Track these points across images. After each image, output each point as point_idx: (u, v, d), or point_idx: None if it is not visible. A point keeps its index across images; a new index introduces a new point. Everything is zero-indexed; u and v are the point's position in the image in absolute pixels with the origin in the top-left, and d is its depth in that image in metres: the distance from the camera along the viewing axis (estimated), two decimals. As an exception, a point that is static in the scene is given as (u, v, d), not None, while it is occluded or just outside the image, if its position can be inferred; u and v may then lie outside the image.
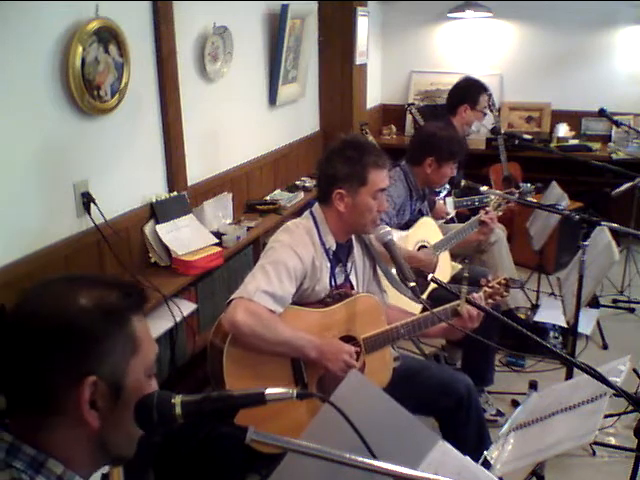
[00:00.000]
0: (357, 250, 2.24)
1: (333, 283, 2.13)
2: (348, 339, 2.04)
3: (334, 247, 2.13)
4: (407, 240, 2.88)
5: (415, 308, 2.45)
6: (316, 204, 2.18)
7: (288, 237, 2.06)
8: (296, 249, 2.01)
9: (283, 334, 1.89)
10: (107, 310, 0.94)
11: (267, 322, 1.86)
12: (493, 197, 3.22)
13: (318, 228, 2.11)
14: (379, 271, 2.34)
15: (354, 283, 2.21)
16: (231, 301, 1.91)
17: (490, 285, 2.20)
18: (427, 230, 3.01)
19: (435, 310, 2.03)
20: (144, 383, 0.99)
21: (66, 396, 0.91)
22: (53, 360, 0.90)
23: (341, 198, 2.08)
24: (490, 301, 2.17)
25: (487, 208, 3.08)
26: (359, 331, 2.07)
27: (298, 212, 3.35)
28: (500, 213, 3.17)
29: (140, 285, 1.03)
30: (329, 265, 2.11)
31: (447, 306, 2.09)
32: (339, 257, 2.16)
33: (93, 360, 0.92)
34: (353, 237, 2.23)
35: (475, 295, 2.09)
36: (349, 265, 2.20)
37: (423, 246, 2.95)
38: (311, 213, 2.16)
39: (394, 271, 2.20)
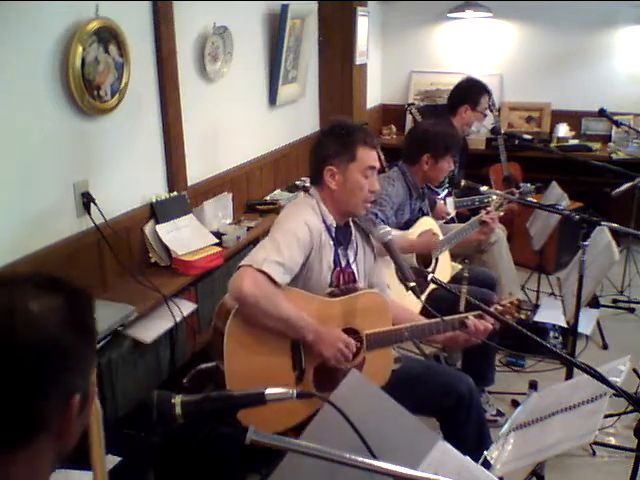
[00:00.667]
0: (357, 238, 2.25)
1: (337, 262, 2.14)
2: (352, 332, 2.04)
3: (335, 224, 2.15)
4: (407, 240, 2.87)
5: (416, 307, 2.44)
6: (312, 187, 2.20)
7: (295, 210, 2.10)
8: (305, 219, 2.04)
9: (286, 311, 1.91)
10: (80, 323, 0.90)
11: (272, 296, 1.88)
12: (495, 197, 3.22)
13: (318, 206, 2.14)
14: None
15: (355, 270, 2.21)
16: (239, 267, 1.92)
17: (502, 304, 2.19)
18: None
19: (445, 318, 2.03)
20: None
21: (51, 415, 0.87)
22: (40, 384, 0.84)
23: (332, 175, 2.10)
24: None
25: (488, 208, 3.08)
26: (363, 327, 2.07)
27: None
28: (502, 213, 3.16)
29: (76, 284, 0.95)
30: (332, 243, 2.13)
31: (454, 317, 2.09)
32: (340, 240, 2.17)
33: (77, 376, 0.90)
34: (352, 225, 2.24)
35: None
36: (350, 252, 2.21)
37: (423, 246, 2.94)
38: (309, 194, 2.19)
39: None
